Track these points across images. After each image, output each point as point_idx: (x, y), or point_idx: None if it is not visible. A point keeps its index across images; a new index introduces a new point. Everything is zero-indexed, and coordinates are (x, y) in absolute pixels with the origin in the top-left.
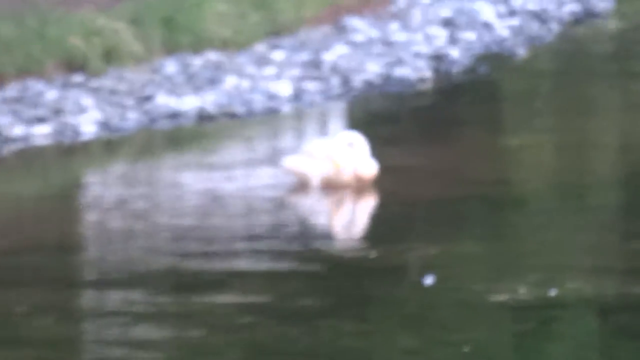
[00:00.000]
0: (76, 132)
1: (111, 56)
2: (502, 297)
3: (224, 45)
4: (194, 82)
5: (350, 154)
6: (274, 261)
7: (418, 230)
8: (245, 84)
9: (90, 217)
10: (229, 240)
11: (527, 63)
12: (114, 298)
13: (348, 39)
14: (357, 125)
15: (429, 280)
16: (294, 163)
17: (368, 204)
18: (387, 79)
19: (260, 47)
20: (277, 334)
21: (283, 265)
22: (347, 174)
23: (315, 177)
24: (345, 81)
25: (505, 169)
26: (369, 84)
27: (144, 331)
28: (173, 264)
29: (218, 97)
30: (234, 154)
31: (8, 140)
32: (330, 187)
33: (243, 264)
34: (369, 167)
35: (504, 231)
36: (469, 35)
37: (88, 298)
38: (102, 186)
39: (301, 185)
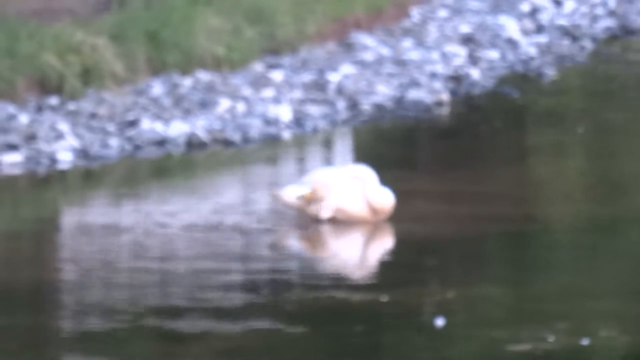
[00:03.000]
0: (51, 160)
1: (90, 76)
2: (526, 347)
3: (217, 64)
4: (183, 106)
5: (359, 186)
6: (274, 303)
7: (433, 271)
8: (241, 107)
9: (67, 257)
10: (221, 287)
11: (556, 85)
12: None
13: (356, 57)
14: (366, 154)
15: (440, 321)
16: (293, 195)
17: (379, 242)
18: (400, 102)
19: (257, 67)
20: None
21: (284, 309)
22: (354, 208)
23: (322, 210)
24: (353, 105)
25: (530, 203)
26: (379, 108)
27: None
28: (158, 316)
29: (210, 122)
30: (227, 186)
31: None
32: (338, 221)
33: (237, 306)
34: (385, 199)
35: (528, 272)
36: (491, 54)
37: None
38: (80, 222)
39: (302, 220)
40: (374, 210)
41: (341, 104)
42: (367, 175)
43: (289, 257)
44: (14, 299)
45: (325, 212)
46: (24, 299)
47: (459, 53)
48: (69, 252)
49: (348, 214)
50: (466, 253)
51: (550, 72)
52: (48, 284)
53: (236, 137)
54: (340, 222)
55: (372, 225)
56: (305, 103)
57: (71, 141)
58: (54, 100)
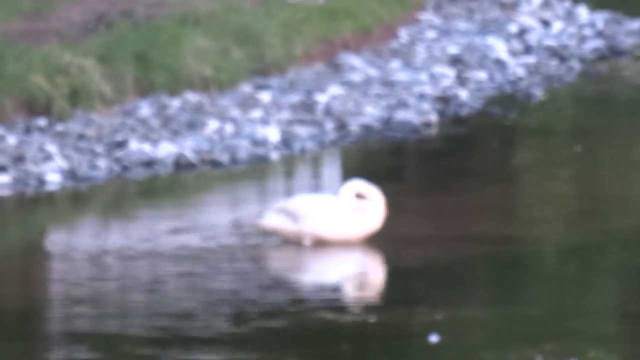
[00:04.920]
0: (39, 181)
1: (78, 97)
2: None
3: (205, 85)
4: (171, 127)
5: (345, 208)
6: (261, 324)
7: (421, 292)
8: (229, 128)
9: (55, 280)
10: (211, 300)
11: (544, 105)
12: None
13: (344, 78)
14: (354, 174)
15: (433, 338)
16: (275, 221)
17: (367, 263)
18: (388, 123)
19: (245, 88)
20: None
21: (271, 329)
22: (336, 232)
23: (305, 235)
24: (341, 126)
25: (517, 225)
26: (367, 129)
27: None
28: (146, 326)
29: (198, 143)
30: (215, 208)
31: None
32: (323, 244)
33: (226, 327)
34: (369, 221)
35: (515, 293)
36: (480, 75)
37: None
38: (68, 244)
39: (288, 244)
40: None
41: (329, 125)
42: (369, 192)
43: (276, 279)
44: (1, 319)
45: (306, 239)
46: (10, 319)
47: (447, 74)
48: (55, 274)
49: (330, 239)
50: (454, 274)
51: (539, 93)
52: (35, 305)
53: (224, 158)
54: (326, 244)
55: (359, 246)
56: (293, 124)
57: (59, 162)
58: (42, 122)
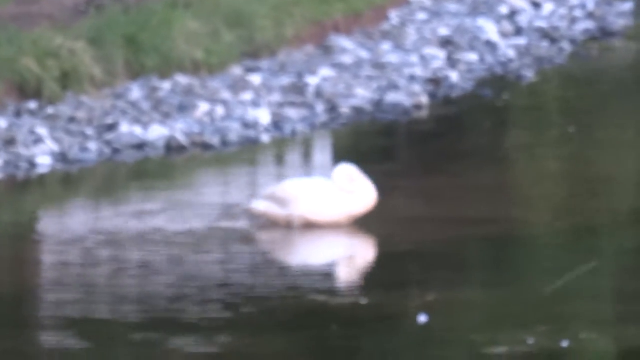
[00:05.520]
0: (30, 164)
1: (69, 80)
2: (505, 349)
3: (195, 67)
4: (161, 109)
5: (335, 191)
6: (252, 307)
7: (413, 274)
8: (220, 111)
9: (46, 262)
10: (202, 284)
11: (535, 87)
12: (74, 349)
13: (334, 60)
14: (345, 157)
15: (422, 318)
16: (264, 207)
17: (359, 245)
18: (379, 105)
19: (235, 70)
20: None
21: (263, 313)
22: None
23: (294, 219)
24: (332, 108)
25: (510, 206)
26: (358, 111)
27: None
28: (138, 312)
29: (189, 126)
30: (206, 189)
31: None
32: (313, 226)
33: (217, 311)
34: (359, 203)
35: (508, 275)
36: (470, 57)
37: (45, 349)
38: (59, 226)
39: (278, 227)
40: (348, 216)
41: (320, 107)
42: (356, 176)
43: (268, 262)
44: None
45: (296, 223)
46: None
47: (438, 56)
48: (46, 256)
49: (320, 223)
50: (446, 256)
51: (529, 74)
52: (26, 286)
53: (215, 140)
54: (316, 227)
55: (351, 229)
56: (284, 106)
57: (50, 145)
58: (32, 105)
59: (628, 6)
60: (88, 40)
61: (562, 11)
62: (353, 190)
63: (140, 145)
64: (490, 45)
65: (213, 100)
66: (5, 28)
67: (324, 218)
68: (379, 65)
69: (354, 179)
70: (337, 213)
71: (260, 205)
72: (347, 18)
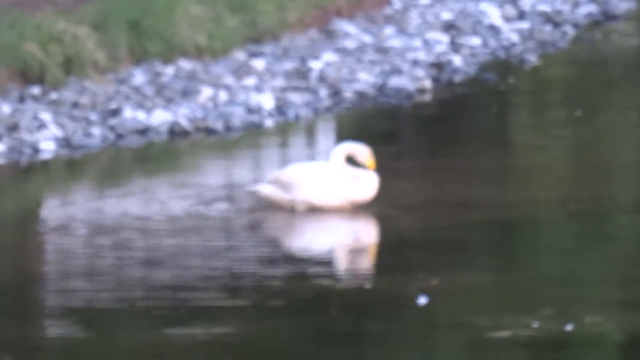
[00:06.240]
0: (33, 150)
1: (72, 65)
2: (509, 333)
3: (198, 52)
4: (165, 94)
5: (341, 175)
6: (256, 293)
7: (417, 258)
8: (223, 96)
9: (51, 247)
10: (206, 270)
11: (538, 71)
12: (78, 337)
13: (338, 45)
14: (348, 141)
15: (422, 299)
16: (268, 191)
17: (363, 230)
18: (382, 89)
19: (239, 55)
20: None
21: (267, 298)
22: (329, 200)
23: (298, 203)
24: (335, 92)
25: (515, 191)
26: (361, 96)
27: None
28: (142, 300)
29: (192, 111)
30: (210, 175)
31: None
32: (317, 210)
33: (222, 297)
34: (365, 188)
35: (512, 259)
36: (473, 41)
37: (49, 338)
38: (63, 212)
39: (283, 211)
40: (352, 201)
41: (323, 92)
42: (361, 153)
43: (272, 246)
44: None
45: (299, 207)
46: (6, 287)
47: (441, 40)
48: (49, 244)
49: (323, 207)
50: (450, 240)
51: (532, 58)
52: (31, 271)
53: (218, 125)
54: (320, 211)
55: (356, 213)
56: (287, 91)
57: (54, 130)
58: (36, 90)
59: None
60: (91, 25)
61: None
62: (354, 175)
63: (144, 131)
64: (493, 29)
65: (216, 85)
66: (8, 13)
67: (328, 202)
68: (382, 50)
69: (354, 156)
70: (341, 197)
71: (265, 189)
72: (350, 2)
